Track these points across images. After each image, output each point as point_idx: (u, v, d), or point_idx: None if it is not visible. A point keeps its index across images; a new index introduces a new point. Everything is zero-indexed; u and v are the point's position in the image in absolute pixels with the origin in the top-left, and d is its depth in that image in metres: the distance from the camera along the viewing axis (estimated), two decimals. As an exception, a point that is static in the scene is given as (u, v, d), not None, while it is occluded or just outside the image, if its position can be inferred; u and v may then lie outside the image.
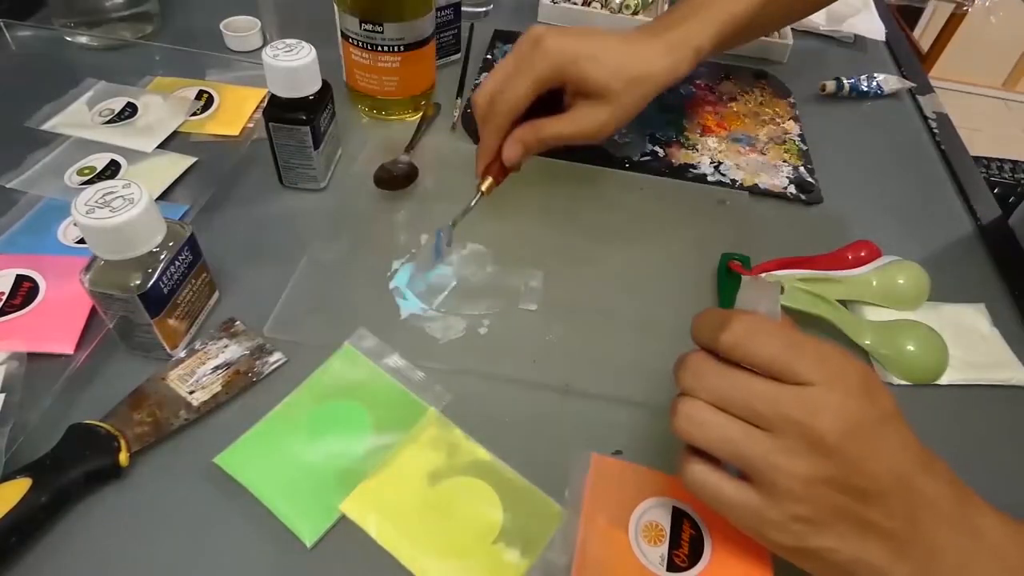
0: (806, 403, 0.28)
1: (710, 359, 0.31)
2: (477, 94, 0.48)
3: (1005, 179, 1.00)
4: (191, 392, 0.38)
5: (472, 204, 0.47)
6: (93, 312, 0.41)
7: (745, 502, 0.30)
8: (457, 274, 0.47)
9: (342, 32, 0.55)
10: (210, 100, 0.59)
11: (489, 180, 0.48)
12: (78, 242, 0.46)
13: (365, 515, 0.35)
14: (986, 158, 1.02)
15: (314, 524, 0.34)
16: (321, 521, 0.34)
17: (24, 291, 0.42)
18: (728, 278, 0.48)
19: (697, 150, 0.60)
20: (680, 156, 0.60)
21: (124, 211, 0.34)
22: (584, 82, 0.46)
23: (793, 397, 0.29)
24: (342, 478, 0.36)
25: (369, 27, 0.53)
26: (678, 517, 0.35)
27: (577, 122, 0.48)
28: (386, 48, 0.54)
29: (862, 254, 0.49)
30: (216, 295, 0.44)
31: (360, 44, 0.55)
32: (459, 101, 0.62)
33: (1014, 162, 1.04)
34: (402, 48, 0.54)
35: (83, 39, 0.64)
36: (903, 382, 0.44)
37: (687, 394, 0.31)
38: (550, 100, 0.48)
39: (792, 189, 0.57)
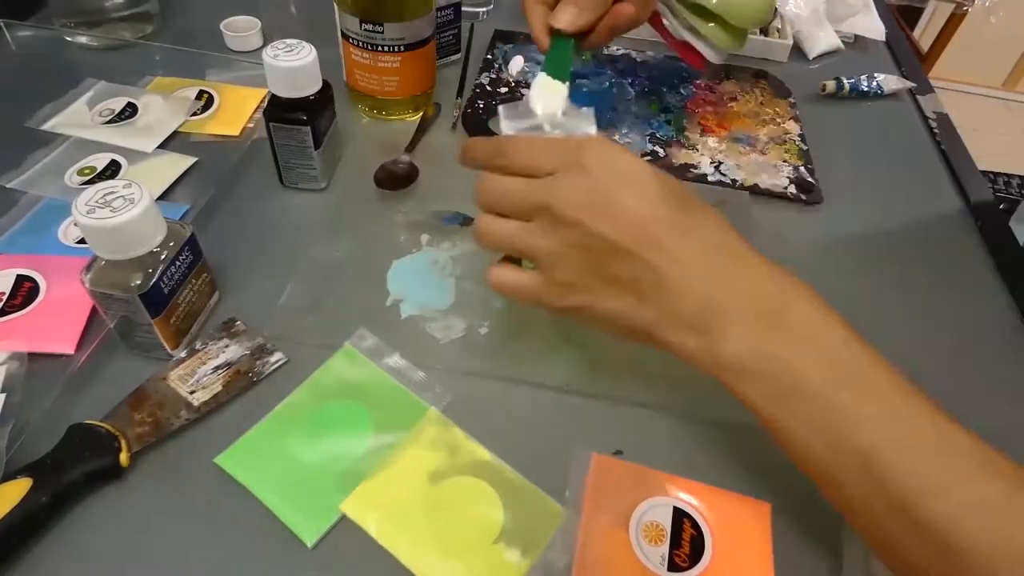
0: (547, 188, 0.34)
1: (490, 177, 0.37)
2: None
3: (1012, 195, 1.00)
4: (192, 392, 0.38)
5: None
6: (93, 312, 0.41)
7: (527, 282, 0.36)
8: (456, 283, 0.47)
9: (342, 32, 0.55)
10: (210, 100, 0.59)
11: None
12: (78, 242, 0.46)
13: (366, 515, 0.35)
14: (993, 173, 1.02)
15: (314, 524, 0.34)
16: (321, 521, 0.34)
17: (24, 291, 0.42)
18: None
19: (697, 150, 0.60)
20: (680, 156, 0.60)
21: (125, 211, 0.34)
22: None
23: (539, 186, 0.34)
24: (343, 478, 0.36)
25: (369, 27, 0.53)
26: (679, 517, 0.35)
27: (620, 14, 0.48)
28: (386, 48, 0.54)
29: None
30: (216, 295, 0.44)
31: (360, 44, 0.55)
32: (459, 101, 0.62)
33: (1022, 177, 1.03)
34: (402, 48, 0.54)
35: (83, 39, 0.64)
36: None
37: (483, 212, 0.37)
38: None
39: (792, 189, 0.57)
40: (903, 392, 0.30)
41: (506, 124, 0.40)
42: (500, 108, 0.40)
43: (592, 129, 0.38)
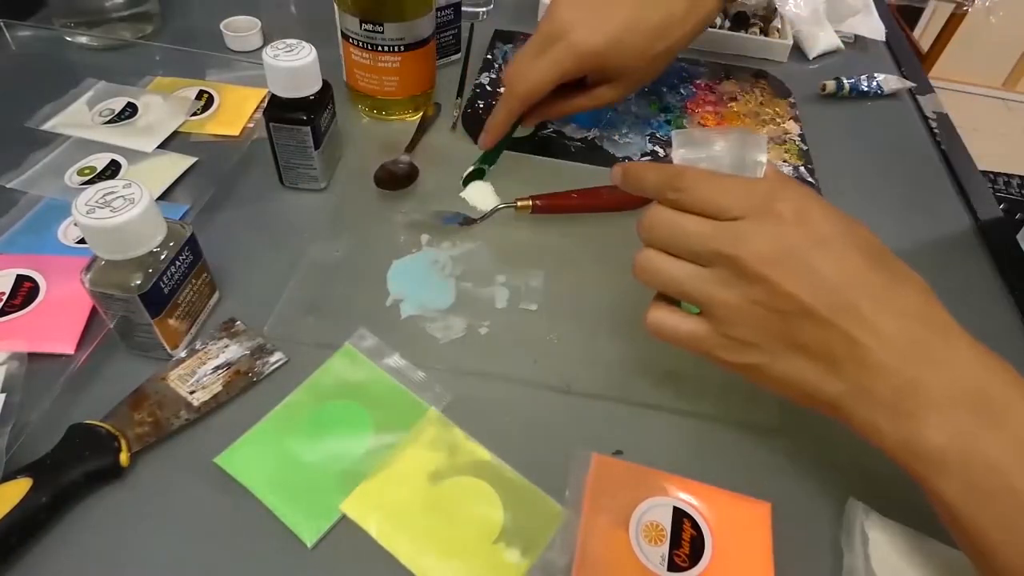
0: (732, 236, 0.31)
1: (662, 210, 0.34)
2: (507, 73, 0.51)
3: (1012, 195, 1.00)
4: (191, 392, 0.38)
5: (498, 208, 0.51)
6: (93, 312, 0.41)
7: (694, 331, 0.34)
8: (456, 283, 0.47)
9: (342, 32, 0.55)
10: (210, 100, 0.59)
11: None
12: (78, 242, 0.46)
13: (365, 515, 0.35)
14: (993, 172, 1.02)
15: (314, 524, 0.34)
16: (321, 521, 0.34)
17: (24, 291, 0.42)
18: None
19: (697, 150, 0.60)
20: (680, 156, 0.59)
21: (125, 211, 0.34)
22: (608, 71, 0.50)
23: (722, 232, 0.32)
24: (342, 478, 0.36)
25: (369, 27, 0.53)
26: (679, 517, 0.35)
27: (599, 98, 0.52)
28: (386, 48, 0.54)
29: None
30: (216, 295, 0.44)
31: (360, 44, 0.55)
32: (459, 101, 0.62)
33: (1022, 177, 1.03)
34: (402, 48, 0.54)
35: (83, 39, 0.64)
36: None
37: (646, 246, 0.35)
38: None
39: (792, 189, 0.57)
40: None
41: (681, 153, 0.36)
42: (673, 135, 0.37)
43: (763, 157, 0.35)
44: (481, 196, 0.52)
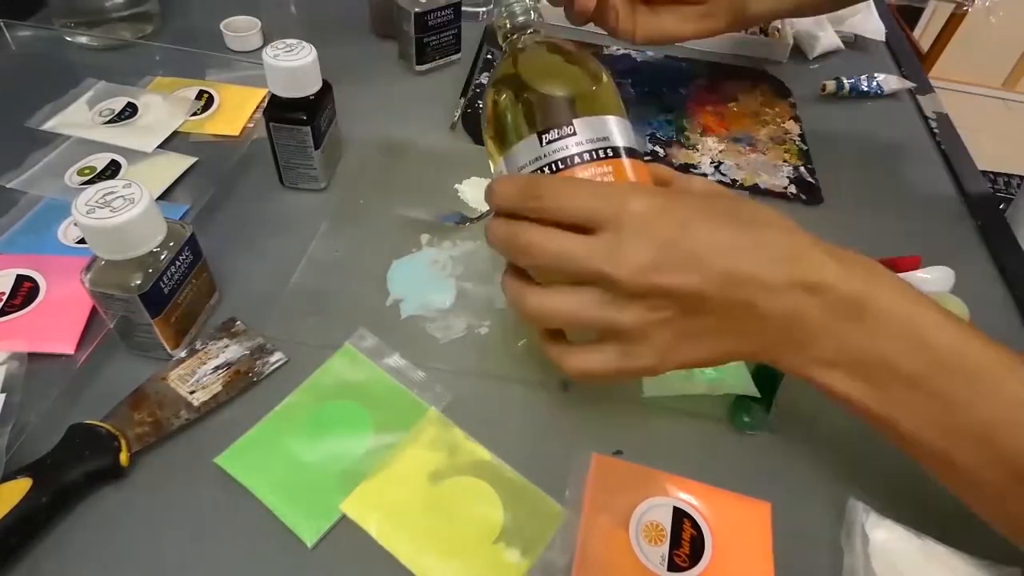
0: (606, 254, 0.31)
1: (528, 228, 0.33)
2: None
3: (1012, 195, 1.00)
4: (191, 392, 0.38)
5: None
6: (93, 312, 0.41)
7: (620, 363, 0.33)
8: (456, 283, 0.47)
9: None
10: (210, 100, 0.59)
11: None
12: (78, 242, 0.46)
13: (365, 515, 0.35)
14: (993, 172, 1.02)
15: (315, 524, 0.34)
16: (322, 521, 0.34)
17: (24, 291, 0.42)
18: None
19: (697, 150, 0.60)
20: (680, 156, 0.60)
21: (125, 211, 0.34)
22: None
23: (595, 251, 0.31)
24: (342, 478, 0.36)
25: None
26: (679, 517, 0.35)
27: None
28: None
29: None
30: (216, 295, 0.44)
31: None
32: (462, 101, 0.62)
33: (1022, 177, 1.03)
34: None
35: (83, 39, 0.64)
36: None
37: (513, 264, 0.35)
38: None
39: (792, 189, 0.57)
40: (1007, 364, 0.30)
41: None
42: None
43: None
44: (477, 193, 0.52)
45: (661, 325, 0.31)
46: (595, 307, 0.32)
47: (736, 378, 0.40)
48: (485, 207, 0.50)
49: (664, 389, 0.40)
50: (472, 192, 0.53)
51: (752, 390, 0.40)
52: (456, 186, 0.53)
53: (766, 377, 0.40)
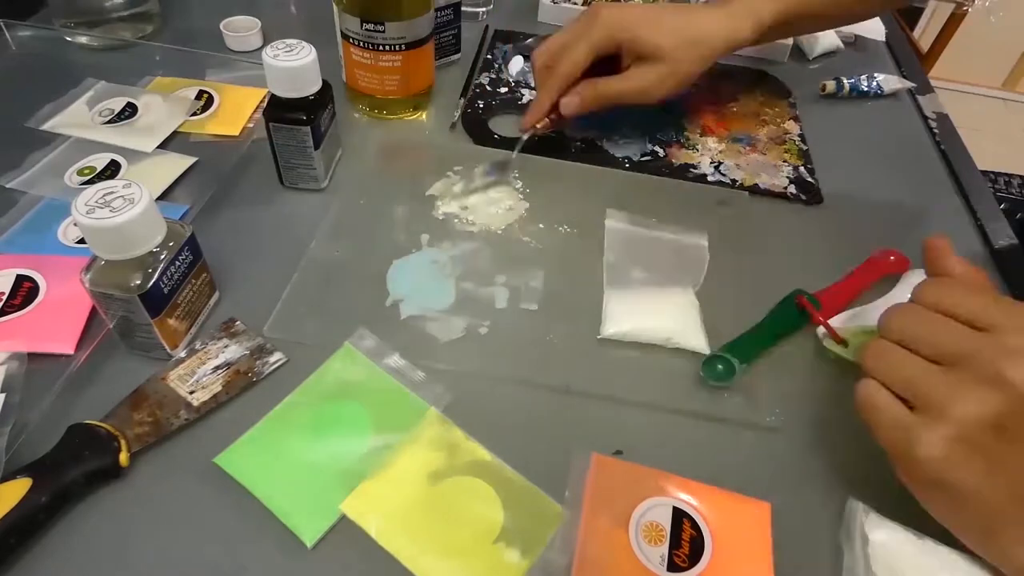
0: (993, 345, 0.30)
1: (911, 307, 0.34)
2: (536, 53, 0.52)
3: (1013, 195, 1.00)
4: (191, 392, 0.38)
5: (523, 139, 0.52)
6: (93, 312, 0.41)
7: (901, 416, 0.32)
8: (456, 283, 0.47)
9: (342, 32, 0.55)
10: (210, 100, 0.59)
11: (545, 121, 0.53)
12: (78, 242, 0.46)
13: (365, 515, 0.35)
14: (993, 172, 1.02)
15: (314, 524, 0.34)
16: (322, 521, 0.34)
17: (24, 291, 0.42)
18: (786, 308, 0.46)
19: (697, 150, 0.60)
20: (680, 156, 0.60)
21: (124, 211, 0.34)
22: (639, 44, 0.50)
23: (980, 337, 0.31)
24: (342, 478, 0.36)
25: (370, 27, 0.53)
26: (678, 517, 0.35)
27: (632, 79, 0.52)
28: (387, 47, 0.54)
29: (891, 259, 0.50)
30: (216, 295, 0.44)
31: (361, 44, 0.54)
32: (462, 101, 0.62)
33: (1022, 177, 1.03)
34: (403, 47, 0.54)
35: (83, 39, 0.64)
36: None
37: (882, 336, 0.34)
38: (606, 69, 0.52)
39: (792, 189, 0.57)
40: None
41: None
42: None
43: None
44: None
45: (975, 429, 0.30)
46: (938, 379, 0.31)
47: (695, 337, 0.43)
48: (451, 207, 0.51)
49: (625, 336, 0.44)
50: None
51: (704, 349, 0.43)
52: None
53: (756, 341, 0.43)
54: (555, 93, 0.52)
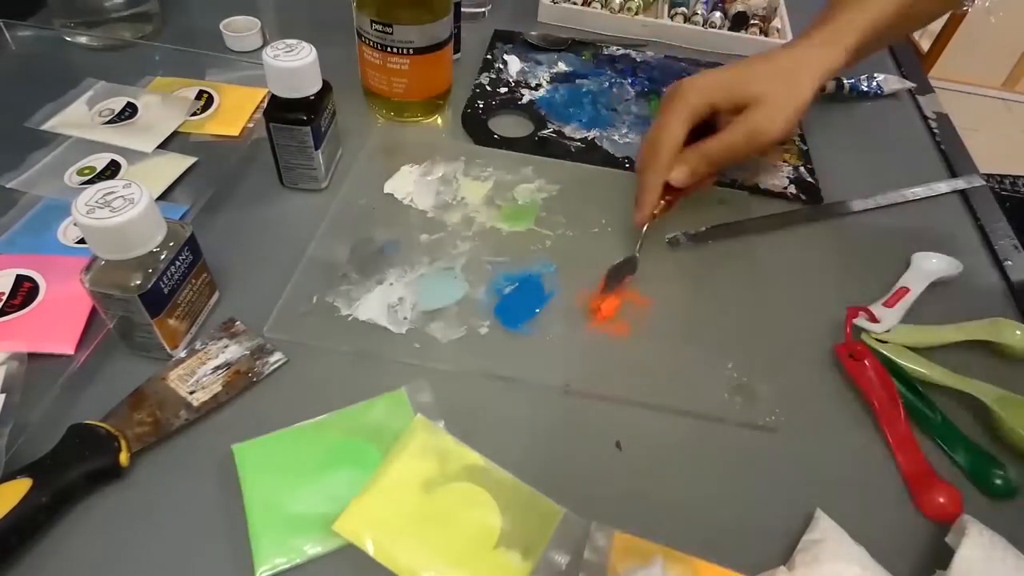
0: None
1: None
2: (636, 156, 0.49)
3: (1012, 195, 1.00)
4: (191, 392, 0.38)
5: (643, 232, 0.49)
6: (93, 312, 0.41)
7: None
8: (456, 283, 0.47)
9: (356, 30, 0.55)
10: (210, 100, 0.59)
11: (661, 204, 0.49)
12: (78, 242, 0.46)
13: (360, 533, 0.33)
14: (997, 175, 1.02)
15: (274, 556, 0.33)
16: (281, 557, 0.33)
17: (24, 291, 0.42)
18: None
19: (697, 150, 0.60)
20: (680, 156, 0.59)
21: (124, 211, 0.34)
22: (735, 94, 0.48)
23: None
24: (322, 521, 0.34)
25: (379, 27, 0.53)
26: None
27: (738, 126, 0.48)
28: (396, 50, 0.54)
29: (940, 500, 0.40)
30: (216, 295, 0.44)
31: (372, 44, 0.54)
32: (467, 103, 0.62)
33: (1022, 177, 1.03)
34: (411, 51, 0.54)
35: (83, 39, 0.64)
36: None
37: None
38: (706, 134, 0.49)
39: (792, 189, 0.57)
40: None
41: None
42: None
43: None
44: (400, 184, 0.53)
45: None
46: None
47: None
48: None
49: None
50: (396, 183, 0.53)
51: None
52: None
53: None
54: (663, 173, 0.48)
